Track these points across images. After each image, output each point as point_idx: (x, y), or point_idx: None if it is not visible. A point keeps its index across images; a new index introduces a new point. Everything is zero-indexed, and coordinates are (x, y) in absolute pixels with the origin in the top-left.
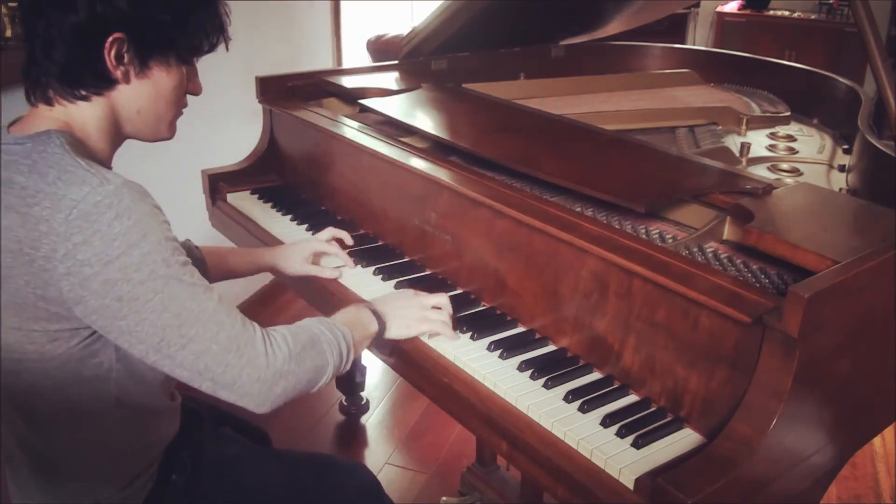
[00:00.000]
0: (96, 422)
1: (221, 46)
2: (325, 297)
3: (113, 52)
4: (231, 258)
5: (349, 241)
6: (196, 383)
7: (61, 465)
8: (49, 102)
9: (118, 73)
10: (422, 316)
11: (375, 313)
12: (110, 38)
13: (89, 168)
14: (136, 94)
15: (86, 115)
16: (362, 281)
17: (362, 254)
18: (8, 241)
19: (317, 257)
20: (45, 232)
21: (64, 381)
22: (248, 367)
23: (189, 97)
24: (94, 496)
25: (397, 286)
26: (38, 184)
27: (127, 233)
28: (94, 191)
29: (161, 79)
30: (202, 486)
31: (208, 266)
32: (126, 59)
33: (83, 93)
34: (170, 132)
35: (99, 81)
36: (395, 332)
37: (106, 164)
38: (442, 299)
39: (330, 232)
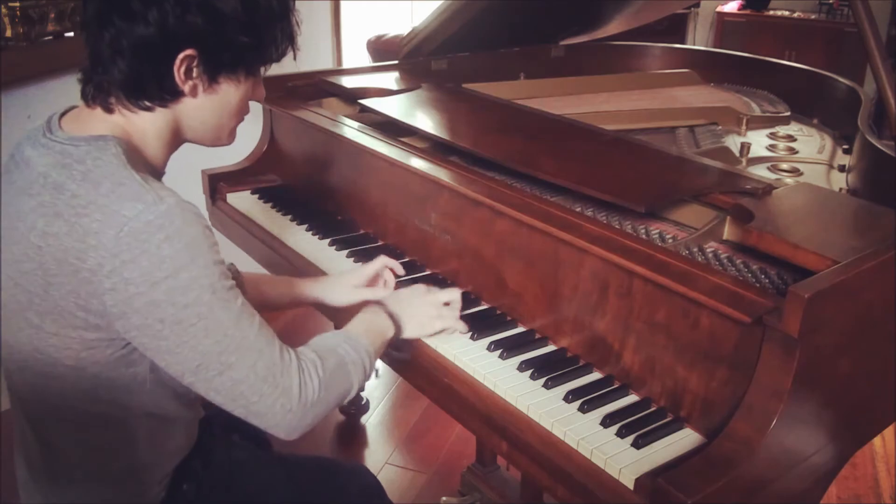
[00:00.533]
0: (123, 430)
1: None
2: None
3: (182, 68)
4: (264, 287)
5: (400, 270)
6: (228, 408)
7: (80, 468)
8: (109, 110)
9: (186, 88)
10: (436, 314)
11: (391, 315)
12: (181, 55)
13: (144, 184)
14: (202, 105)
15: (147, 123)
16: None
17: (362, 254)
18: (53, 248)
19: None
20: (93, 245)
21: (96, 388)
22: (282, 397)
23: None
24: (104, 498)
25: (398, 286)
26: (90, 193)
27: (176, 255)
28: (148, 209)
29: (229, 92)
30: (209, 491)
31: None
32: (195, 74)
33: (147, 104)
34: (230, 139)
35: (164, 94)
36: (409, 332)
37: (160, 169)
38: (454, 294)
39: (382, 261)
